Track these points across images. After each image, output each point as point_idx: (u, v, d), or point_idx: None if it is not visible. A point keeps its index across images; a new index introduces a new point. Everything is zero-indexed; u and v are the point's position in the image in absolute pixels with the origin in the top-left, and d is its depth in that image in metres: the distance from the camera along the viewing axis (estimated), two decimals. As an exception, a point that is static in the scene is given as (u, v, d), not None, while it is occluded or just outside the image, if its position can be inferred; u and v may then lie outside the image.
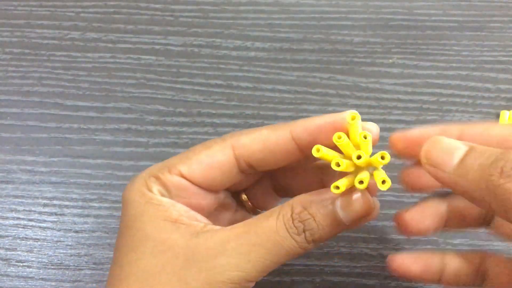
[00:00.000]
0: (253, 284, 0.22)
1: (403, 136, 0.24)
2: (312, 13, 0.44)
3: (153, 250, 0.21)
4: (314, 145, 0.21)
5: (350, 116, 0.21)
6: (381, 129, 0.38)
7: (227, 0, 0.44)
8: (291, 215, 0.21)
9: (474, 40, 0.42)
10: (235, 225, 0.22)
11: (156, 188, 0.23)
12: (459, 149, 0.20)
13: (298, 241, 0.21)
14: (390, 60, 0.41)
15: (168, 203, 0.23)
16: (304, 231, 0.21)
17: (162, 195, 0.23)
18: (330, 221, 0.21)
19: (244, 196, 0.28)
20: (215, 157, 0.23)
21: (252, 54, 0.42)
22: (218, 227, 0.22)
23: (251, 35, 0.43)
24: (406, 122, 0.39)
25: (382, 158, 0.21)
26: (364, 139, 0.21)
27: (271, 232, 0.21)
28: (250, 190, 0.28)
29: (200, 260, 0.21)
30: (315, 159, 0.22)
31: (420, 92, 0.40)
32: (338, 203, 0.21)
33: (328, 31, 0.43)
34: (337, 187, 0.21)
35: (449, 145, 0.20)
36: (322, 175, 0.26)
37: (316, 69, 0.41)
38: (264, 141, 0.23)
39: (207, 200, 0.25)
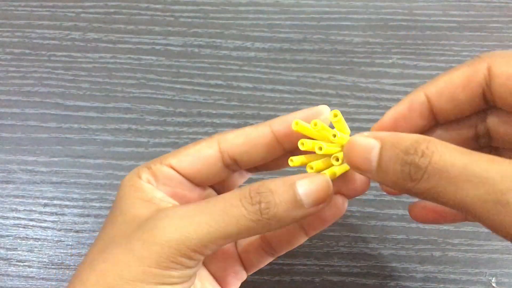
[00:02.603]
0: (197, 256, 0.22)
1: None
2: (312, 13, 0.44)
3: (121, 221, 0.23)
4: (290, 137, 0.24)
5: (332, 114, 0.23)
6: (381, 129, 0.38)
7: (227, 1, 0.44)
8: (249, 188, 0.22)
9: (473, 41, 0.42)
10: None
11: (145, 176, 0.24)
12: (373, 149, 0.20)
13: (250, 210, 0.21)
14: (390, 60, 0.41)
15: (149, 188, 0.24)
16: (259, 202, 0.21)
17: (149, 182, 0.24)
18: (289, 197, 0.21)
19: None
20: (202, 150, 0.25)
21: (252, 54, 0.42)
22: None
23: (251, 35, 0.43)
24: (406, 122, 0.39)
25: (335, 115, 0.22)
26: (333, 137, 0.22)
27: (222, 200, 0.22)
28: None
29: (148, 223, 0.22)
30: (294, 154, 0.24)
31: (419, 92, 0.40)
32: (299, 182, 0.22)
33: (328, 31, 0.43)
34: (292, 160, 0.23)
35: (363, 146, 0.21)
36: None
37: (316, 69, 0.41)
38: (247, 135, 0.25)
39: (193, 193, 0.26)
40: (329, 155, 0.23)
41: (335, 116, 0.22)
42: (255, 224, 0.21)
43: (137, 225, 0.22)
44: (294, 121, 0.23)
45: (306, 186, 0.22)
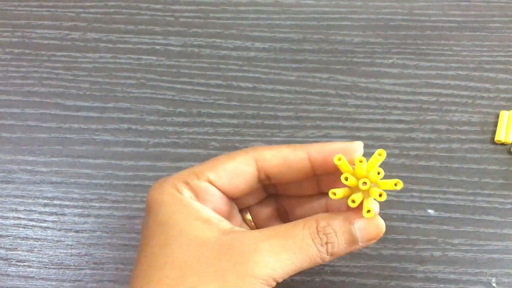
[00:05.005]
0: (274, 284, 0.24)
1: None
2: (312, 13, 0.44)
3: (187, 244, 0.24)
4: (325, 165, 0.26)
5: (377, 152, 0.24)
6: (381, 129, 0.38)
7: (227, 0, 0.45)
8: (316, 227, 0.24)
9: (473, 40, 0.42)
10: (263, 229, 0.25)
11: (186, 191, 0.25)
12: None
13: (321, 251, 0.24)
14: (390, 60, 0.41)
15: (198, 205, 0.25)
16: (326, 243, 0.24)
17: (191, 198, 0.25)
18: (348, 238, 0.24)
19: (248, 216, 0.30)
20: (240, 167, 0.26)
21: (252, 54, 0.42)
22: (243, 229, 0.25)
23: (251, 35, 0.43)
24: (406, 122, 0.39)
25: (396, 185, 0.24)
26: (377, 174, 0.24)
27: (298, 238, 0.24)
28: (254, 210, 0.30)
29: (234, 254, 0.23)
30: (325, 185, 0.28)
31: (419, 92, 0.40)
32: (356, 224, 0.24)
33: (328, 31, 0.43)
34: (334, 193, 0.24)
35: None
36: (327, 200, 0.29)
37: (316, 69, 0.41)
38: (284, 157, 0.26)
39: (227, 206, 0.27)
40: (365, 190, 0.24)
41: (380, 155, 0.24)
42: (320, 262, 0.25)
43: (217, 251, 0.23)
44: (337, 156, 0.24)
45: (363, 228, 0.25)
